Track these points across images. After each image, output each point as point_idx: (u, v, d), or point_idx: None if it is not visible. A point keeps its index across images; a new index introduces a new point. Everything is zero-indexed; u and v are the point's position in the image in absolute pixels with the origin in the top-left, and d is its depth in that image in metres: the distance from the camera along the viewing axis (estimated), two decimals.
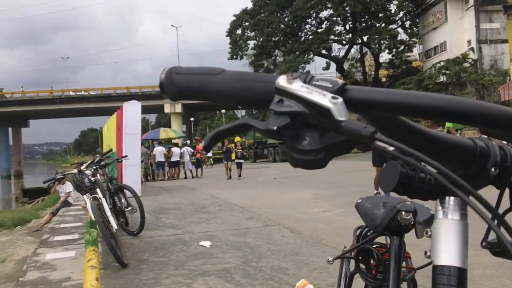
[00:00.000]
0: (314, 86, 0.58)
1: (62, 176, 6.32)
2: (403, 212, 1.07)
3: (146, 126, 64.03)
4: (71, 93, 59.01)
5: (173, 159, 20.37)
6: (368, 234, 1.40)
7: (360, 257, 1.37)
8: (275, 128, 0.58)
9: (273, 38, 39.30)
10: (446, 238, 0.65)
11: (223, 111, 48.16)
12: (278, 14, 39.24)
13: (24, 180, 46.48)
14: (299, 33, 39.60)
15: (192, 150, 22.63)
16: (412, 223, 1.10)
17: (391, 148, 0.57)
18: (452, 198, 0.67)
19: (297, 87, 0.58)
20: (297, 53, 37.78)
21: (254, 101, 0.63)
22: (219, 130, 0.65)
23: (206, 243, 5.80)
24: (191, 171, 20.99)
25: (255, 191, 12.56)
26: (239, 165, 18.21)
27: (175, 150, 20.72)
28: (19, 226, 12.02)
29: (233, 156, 18.51)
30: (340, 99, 0.56)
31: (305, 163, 0.59)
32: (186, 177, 20.39)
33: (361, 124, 0.55)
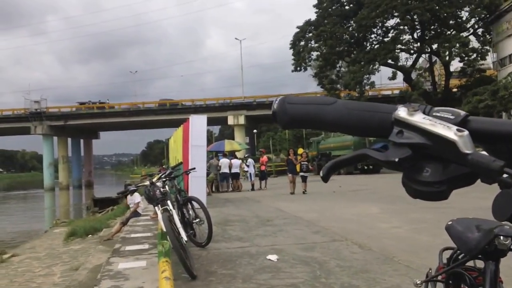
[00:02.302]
0: (436, 118, 0.58)
1: (135, 188, 6.51)
2: (501, 237, 1.03)
3: (209, 137, 65.20)
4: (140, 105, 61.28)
5: (233, 170, 20.49)
6: (459, 257, 1.34)
7: (450, 281, 1.32)
8: (396, 159, 0.58)
9: (337, 49, 38.92)
10: None
11: None
12: (342, 24, 38.87)
13: (94, 190, 48.41)
14: (364, 43, 38.97)
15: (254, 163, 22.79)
16: (510, 247, 1.05)
17: (505, 176, 0.55)
18: None
19: (419, 119, 0.58)
20: (362, 63, 37.20)
21: (370, 131, 0.64)
22: (337, 161, 0.65)
23: (273, 257, 5.77)
24: (253, 184, 21.02)
25: (320, 205, 12.42)
26: (304, 179, 16.79)
27: (235, 161, 20.88)
28: (90, 235, 12.53)
29: (297, 168, 17.38)
30: (466, 132, 0.55)
31: (426, 195, 0.59)
32: (253, 189, 20.46)
33: (489, 157, 0.54)
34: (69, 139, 67.39)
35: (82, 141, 71.65)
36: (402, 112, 0.60)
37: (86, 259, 8.52)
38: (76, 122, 60.74)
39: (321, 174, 0.69)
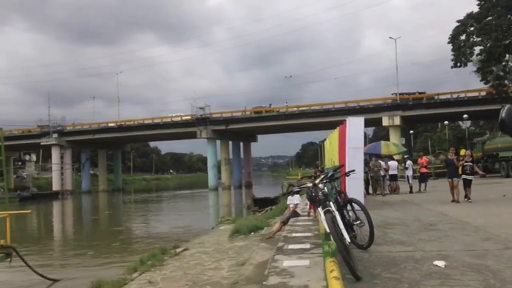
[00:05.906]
0: None
1: (299, 190, 6.75)
2: None
3: (364, 139, 64.24)
4: (295, 109, 62.83)
5: (391, 172, 19.99)
6: None
7: None
8: None
9: (502, 42, 35.60)
10: None
11: (446, 122, 45.33)
12: (509, 16, 35.43)
13: (253, 190, 50.89)
14: None
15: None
16: None
17: None
18: None
19: None
20: None
21: None
22: None
23: (441, 263, 5.55)
24: (411, 187, 20.24)
25: (488, 210, 11.53)
26: (468, 183, 14.07)
27: (392, 163, 20.33)
28: (252, 233, 13.23)
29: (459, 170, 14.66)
30: None
31: None
32: (411, 192, 19.72)
33: None
34: (230, 142, 71.85)
35: (241, 144, 75.92)
36: None
37: (251, 256, 9.01)
38: (236, 126, 64.56)
39: None
